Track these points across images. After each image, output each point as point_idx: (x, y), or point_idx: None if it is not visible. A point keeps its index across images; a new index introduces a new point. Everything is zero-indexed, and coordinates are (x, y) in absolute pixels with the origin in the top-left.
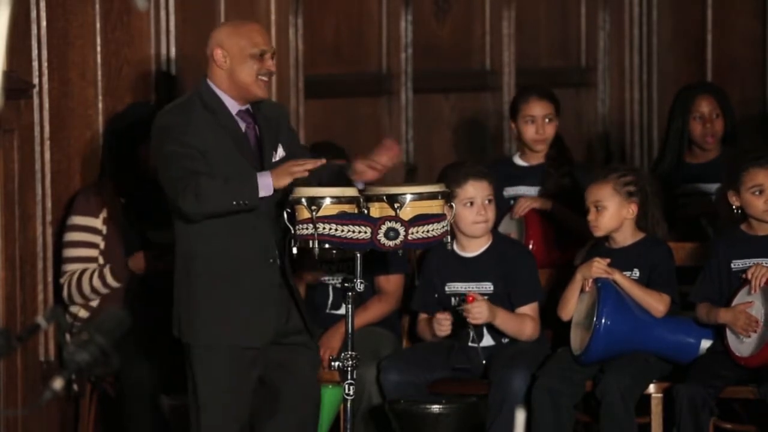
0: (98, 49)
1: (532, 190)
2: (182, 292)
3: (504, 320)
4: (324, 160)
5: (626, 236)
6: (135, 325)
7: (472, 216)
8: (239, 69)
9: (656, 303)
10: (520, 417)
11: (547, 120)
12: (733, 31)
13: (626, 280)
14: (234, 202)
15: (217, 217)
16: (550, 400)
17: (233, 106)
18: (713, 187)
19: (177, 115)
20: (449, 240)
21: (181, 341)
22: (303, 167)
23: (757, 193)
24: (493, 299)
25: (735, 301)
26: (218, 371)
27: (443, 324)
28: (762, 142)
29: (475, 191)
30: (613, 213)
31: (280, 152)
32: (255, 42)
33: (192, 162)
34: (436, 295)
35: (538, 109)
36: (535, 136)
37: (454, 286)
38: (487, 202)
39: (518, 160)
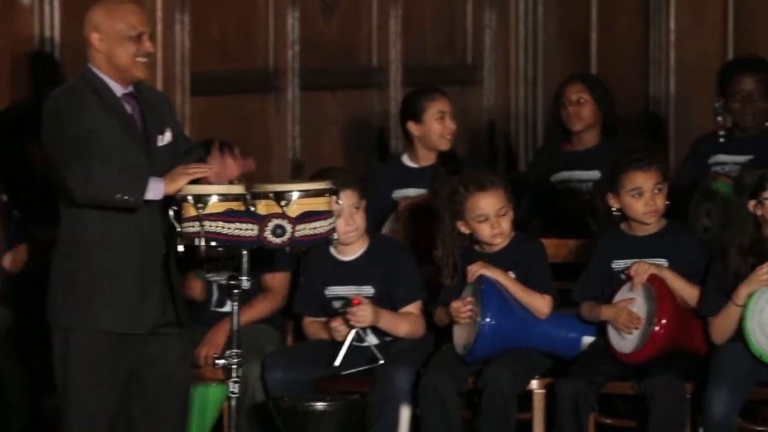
0: None
1: (421, 192)
2: (63, 277)
3: (388, 321)
4: (214, 167)
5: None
6: (15, 323)
7: (341, 226)
8: (117, 52)
9: (539, 305)
10: (405, 414)
11: (451, 116)
12: (617, 30)
13: (509, 281)
14: (118, 195)
15: (97, 206)
16: (436, 397)
17: (117, 89)
18: (590, 174)
19: (67, 99)
20: (335, 237)
21: (55, 330)
22: (194, 173)
23: (636, 195)
24: (374, 301)
25: (616, 298)
26: (94, 356)
27: (339, 331)
28: (645, 138)
29: (342, 201)
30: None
31: (167, 137)
32: (131, 24)
33: (84, 144)
34: (317, 300)
35: (445, 105)
36: (444, 131)
37: (335, 290)
38: (354, 210)
39: (408, 162)
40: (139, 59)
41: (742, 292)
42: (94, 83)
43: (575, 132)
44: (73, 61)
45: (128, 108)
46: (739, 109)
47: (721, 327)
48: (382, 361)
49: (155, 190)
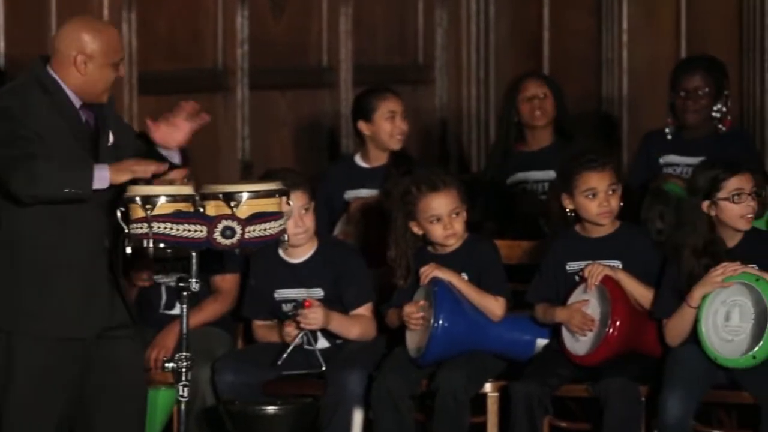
0: None
1: (373, 193)
2: (3, 279)
3: (339, 324)
4: (167, 165)
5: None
6: None
7: (291, 228)
8: (97, 77)
9: (493, 308)
10: (358, 418)
11: (403, 116)
12: (569, 29)
13: (462, 283)
14: (66, 190)
15: (47, 203)
16: (388, 400)
17: (74, 99)
18: (543, 174)
19: (14, 97)
20: (286, 239)
21: None
22: (146, 169)
23: (590, 196)
24: (324, 304)
25: (570, 300)
26: (37, 362)
27: (291, 334)
28: (597, 138)
29: (292, 203)
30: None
31: (111, 138)
32: (116, 50)
33: (28, 144)
34: (266, 303)
35: (397, 104)
36: (393, 131)
37: (284, 293)
38: (303, 211)
39: (360, 162)
40: (111, 84)
41: (696, 293)
42: (47, 85)
43: (536, 128)
44: (15, 66)
45: (84, 116)
46: (682, 106)
47: (675, 329)
48: (323, 368)
49: (101, 178)
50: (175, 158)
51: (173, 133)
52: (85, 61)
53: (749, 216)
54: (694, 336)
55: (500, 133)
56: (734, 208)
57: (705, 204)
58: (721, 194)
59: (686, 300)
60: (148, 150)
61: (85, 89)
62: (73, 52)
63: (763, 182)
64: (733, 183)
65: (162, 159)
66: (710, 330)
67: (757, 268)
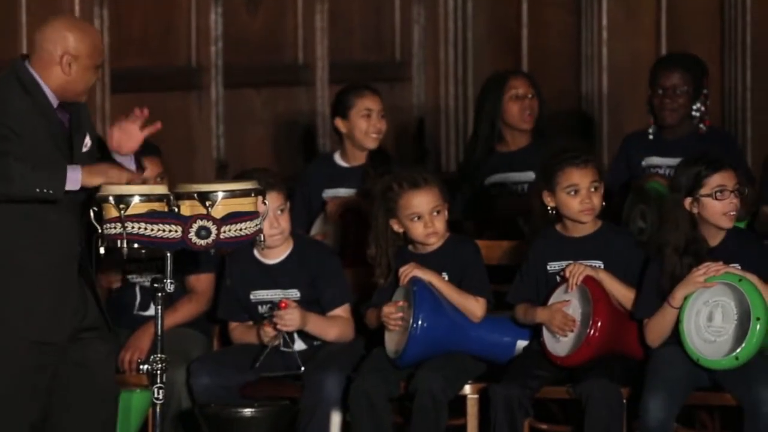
0: None
1: (352, 192)
2: None
3: (316, 325)
4: (141, 174)
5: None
6: None
7: (266, 229)
8: (80, 79)
9: (473, 308)
10: (336, 420)
11: (381, 115)
12: (548, 26)
13: (442, 283)
14: (38, 189)
15: (18, 202)
16: (367, 402)
17: (53, 99)
18: (524, 175)
19: None
20: (262, 239)
21: None
22: (120, 176)
23: (572, 193)
24: (301, 305)
25: (551, 300)
26: (13, 367)
27: (269, 335)
28: (577, 137)
29: (269, 204)
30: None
31: (87, 141)
32: (100, 52)
33: (4, 141)
34: (241, 304)
35: (373, 102)
36: (371, 130)
37: (260, 295)
38: (279, 212)
39: (339, 161)
40: (90, 86)
41: (678, 294)
42: (26, 82)
43: (519, 129)
44: None
45: (60, 116)
46: (659, 104)
47: (657, 329)
48: (302, 369)
49: (73, 180)
50: (131, 165)
51: (126, 140)
52: (70, 61)
53: (732, 213)
54: (676, 337)
55: (484, 132)
56: (717, 205)
57: (687, 201)
58: (704, 191)
59: (668, 300)
60: (102, 157)
61: (67, 89)
62: (59, 51)
63: (745, 181)
64: (716, 180)
65: (118, 165)
66: (692, 331)
67: (739, 267)
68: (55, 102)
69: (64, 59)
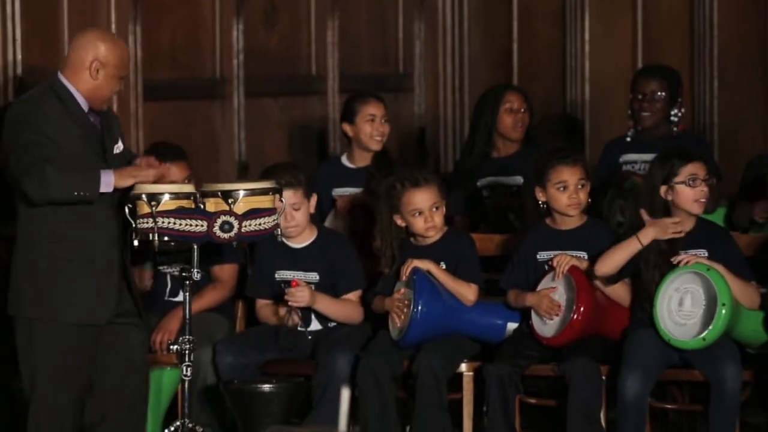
0: None
1: (358, 191)
2: (25, 272)
3: (325, 305)
4: (166, 166)
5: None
6: None
7: (282, 223)
8: (105, 85)
9: (466, 293)
10: (345, 395)
11: (384, 120)
12: (536, 41)
13: (440, 271)
14: (75, 193)
15: (58, 204)
16: (373, 379)
17: (84, 105)
18: (513, 179)
19: (30, 105)
20: (279, 232)
21: (18, 320)
22: (147, 174)
23: (561, 188)
24: (318, 288)
25: (540, 287)
26: (60, 346)
27: (282, 312)
28: (563, 138)
29: (286, 200)
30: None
31: (119, 146)
32: (126, 65)
33: (42, 149)
34: (267, 283)
35: (377, 109)
36: (375, 133)
37: (284, 274)
38: (292, 209)
39: (346, 162)
40: (114, 94)
41: (649, 232)
42: (60, 92)
43: (511, 138)
44: (32, 73)
45: (92, 120)
46: (639, 107)
47: (612, 258)
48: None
49: (106, 183)
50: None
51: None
52: (98, 68)
53: (702, 200)
54: (650, 320)
55: (481, 140)
56: (689, 192)
57: (663, 189)
58: (678, 179)
59: (637, 234)
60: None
61: (94, 94)
62: (90, 58)
63: (713, 176)
64: (689, 169)
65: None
66: (665, 314)
67: (706, 253)
68: (86, 107)
69: (93, 65)
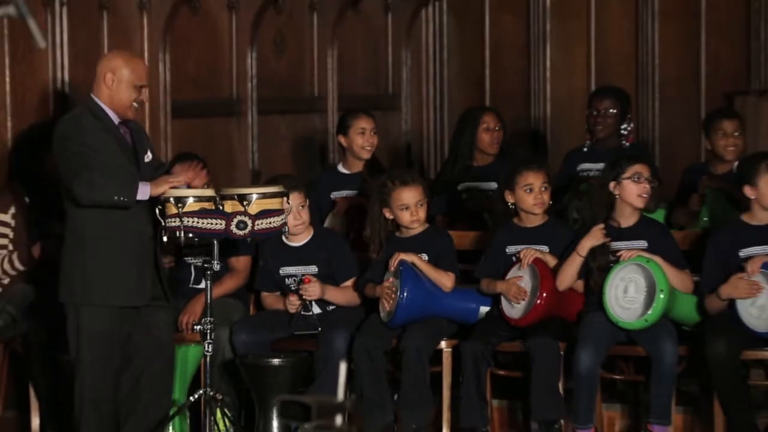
0: (7, 80)
1: (353, 193)
2: (74, 263)
3: (332, 294)
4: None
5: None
6: (38, 298)
7: (291, 221)
8: (121, 93)
9: (444, 281)
10: (343, 368)
11: (373, 132)
12: (505, 68)
13: (422, 263)
14: (116, 198)
15: (100, 207)
16: (366, 355)
17: (114, 118)
18: (489, 185)
19: (73, 123)
20: (287, 230)
21: (68, 305)
22: (178, 180)
23: (528, 190)
24: (317, 278)
25: (508, 276)
26: (104, 326)
27: (294, 303)
28: (529, 150)
29: (291, 202)
30: None
31: (149, 155)
32: (139, 76)
33: (86, 159)
34: (272, 278)
35: (367, 123)
36: (365, 144)
37: (287, 270)
38: (301, 207)
39: (342, 169)
40: (134, 105)
41: (585, 243)
42: (95, 110)
43: (487, 152)
44: (76, 93)
45: (123, 132)
46: (593, 122)
47: (564, 274)
48: (319, 329)
49: (143, 192)
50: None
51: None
52: (111, 77)
53: (644, 196)
54: (600, 305)
55: (463, 155)
56: (633, 187)
57: (612, 184)
58: (625, 176)
59: (576, 249)
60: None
61: (112, 102)
62: (105, 70)
63: (655, 179)
64: (635, 168)
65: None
66: (613, 300)
67: (646, 245)
68: (116, 120)
69: (107, 76)
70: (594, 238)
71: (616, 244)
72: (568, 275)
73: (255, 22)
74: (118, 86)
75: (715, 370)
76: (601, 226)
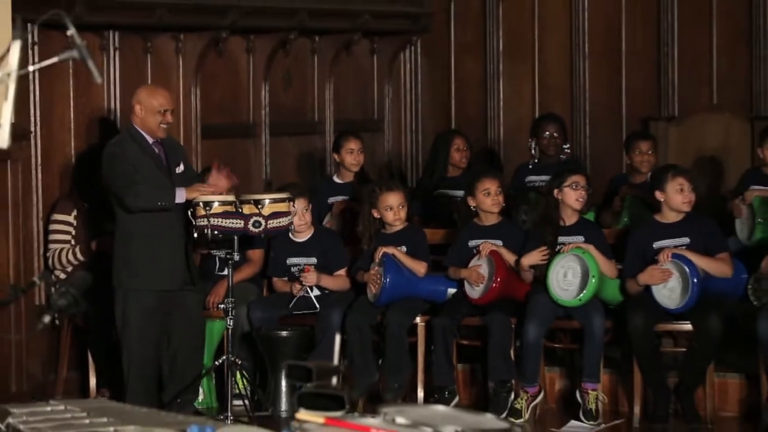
0: (72, 107)
1: (345, 198)
2: (122, 255)
3: (327, 281)
4: (214, 186)
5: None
6: (95, 283)
7: (296, 221)
8: (149, 119)
9: (419, 269)
10: (337, 339)
11: (360, 151)
12: (467, 99)
13: (401, 254)
14: (159, 203)
15: (146, 211)
16: (356, 328)
17: (150, 139)
18: (457, 193)
19: (118, 146)
20: (293, 228)
21: (117, 289)
22: (207, 190)
23: (486, 194)
24: (316, 267)
25: (470, 264)
26: (146, 306)
27: (297, 288)
28: (487, 164)
29: (297, 205)
30: None
31: (181, 168)
32: (161, 103)
33: (131, 174)
34: (281, 267)
35: (355, 144)
36: (353, 161)
37: (293, 260)
38: (303, 211)
39: (336, 179)
40: (162, 125)
41: (529, 259)
42: (133, 134)
43: (457, 167)
44: (125, 119)
45: (156, 150)
46: (546, 143)
47: (524, 278)
48: (318, 309)
49: (180, 196)
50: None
51: (215, 180)
52: (141, 108)
53: (580, 200)
54: (544, 287)
55: (439, 170)
56: (572, 193)
57: (555, 191)
58: (566, 183)
59: (522, 260)
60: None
61: (143, 125)
62: (135, 104)
63: (589, 187)
64: (574, 177)
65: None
66: (554, 283)
67: (583, 239)
68: (150, 140)
69: (136, 107)
70: (534, 258)
71: (561, 239)
72: (526, 279)
73: (268, 62)
74: (146, 114)
75: (634, 339)
76: (544, 248)
